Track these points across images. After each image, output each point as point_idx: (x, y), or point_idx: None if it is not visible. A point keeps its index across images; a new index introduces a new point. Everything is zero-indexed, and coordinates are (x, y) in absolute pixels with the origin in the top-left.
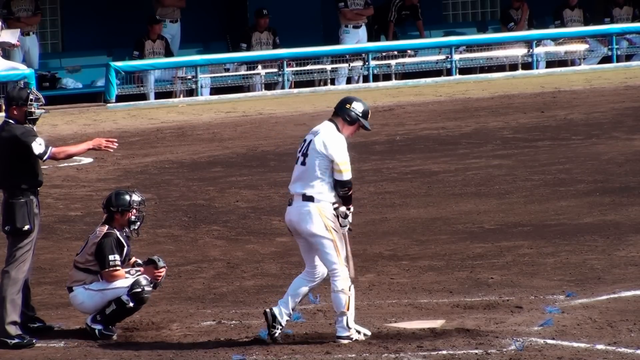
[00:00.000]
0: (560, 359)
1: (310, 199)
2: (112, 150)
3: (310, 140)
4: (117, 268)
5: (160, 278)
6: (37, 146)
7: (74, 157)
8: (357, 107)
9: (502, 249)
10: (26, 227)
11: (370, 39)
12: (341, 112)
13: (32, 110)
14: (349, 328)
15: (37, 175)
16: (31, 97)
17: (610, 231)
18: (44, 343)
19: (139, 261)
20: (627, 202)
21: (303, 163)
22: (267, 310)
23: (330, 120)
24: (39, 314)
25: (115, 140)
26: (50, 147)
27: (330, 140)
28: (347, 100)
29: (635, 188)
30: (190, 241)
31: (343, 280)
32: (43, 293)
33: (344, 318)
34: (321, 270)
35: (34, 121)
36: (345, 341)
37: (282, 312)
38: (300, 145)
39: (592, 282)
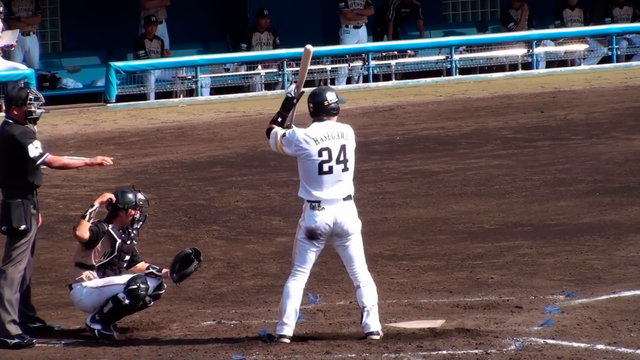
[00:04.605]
0: (560, 359)
1: (352, 198)
2: (107, 164)
3: (344, 146)
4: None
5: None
6: (33, 149)
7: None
8: (333, 97)
9: (502, 249)
10: (22, 227)
11: (373, 40)
12: (332, 111)
13: (32, 109)
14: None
15: (35, 176)
16: (30, 96)
17: (610, 231)
18: (44, 343)
19: (156, 267)
20: (627, 202)
21: (345, 169)
22: (287, 340)
23: (329, 119)
24: (39, 314)
25: (112, 159)
26: (47, 154)
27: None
28: (323, 99)
29: (635, 188)
30: (190, 241)
31: (368, 274)
32: (43, 293)
33: (376, 310)
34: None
35: (34, 121)
36: (378, 337)
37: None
38: (327, 153)
39: (592, 282)
